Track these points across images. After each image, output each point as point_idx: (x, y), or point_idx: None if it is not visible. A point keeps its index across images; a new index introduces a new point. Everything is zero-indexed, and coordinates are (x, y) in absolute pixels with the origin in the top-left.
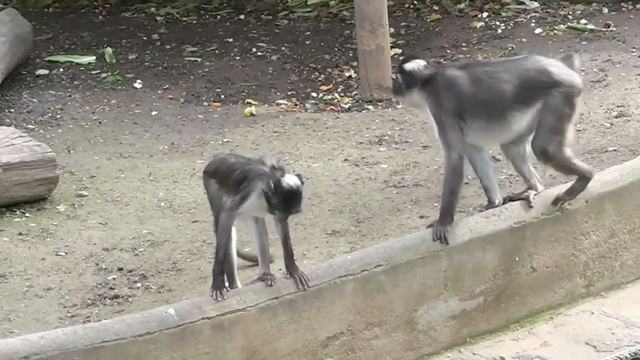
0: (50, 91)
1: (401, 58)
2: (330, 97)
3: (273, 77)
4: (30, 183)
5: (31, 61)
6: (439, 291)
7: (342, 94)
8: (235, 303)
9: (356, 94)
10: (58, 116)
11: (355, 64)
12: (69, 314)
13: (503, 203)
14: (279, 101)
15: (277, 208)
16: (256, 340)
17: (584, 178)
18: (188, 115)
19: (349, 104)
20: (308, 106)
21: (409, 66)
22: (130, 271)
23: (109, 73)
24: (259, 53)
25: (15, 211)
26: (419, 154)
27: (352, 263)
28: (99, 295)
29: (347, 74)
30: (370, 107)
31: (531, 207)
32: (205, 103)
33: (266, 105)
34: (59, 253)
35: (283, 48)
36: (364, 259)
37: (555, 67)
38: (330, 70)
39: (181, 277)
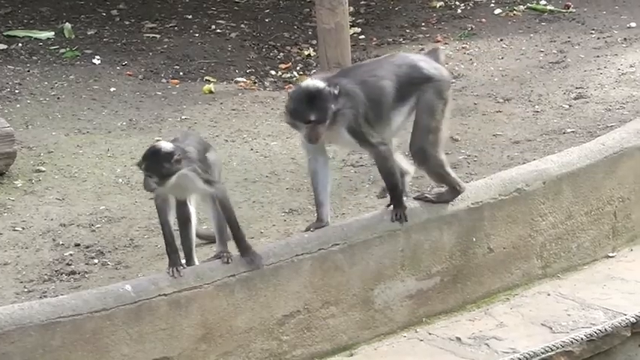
0: (9, 66)
1: (307, 87)
2: (289, 75)
3: (232, 55)
4: None
5: None
6: (396, 270)
7: (301, 73)
8: (192, 280)
9: (314, 73)
10: (17, 91)
11: (314, 42)
12: (25, 289)
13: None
14: (238, 79)
15: None
16: (213, 317)
17: (454, 191)
18: (147, 91)
19: None
20: (267, 84)
21: (325, 86)
22: (87, 247)
23: (68, 49)
24: (218, 30)
25: None
26: None
27: (309, 242)
28: (56, 271)
29: (306, 52)
30: None
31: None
32: (164, 80)
33: (225, 82)
34: (16, 229)
35: (242, 25)
36: (321, 237)
37: (424, 61)
38: (289, 48)
39: (138, 253)
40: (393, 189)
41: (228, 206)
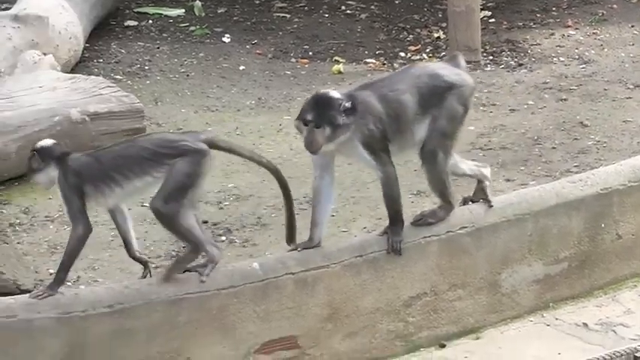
0: (139, 43)
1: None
2: (418, 57)
3: (361, 35)
4: (117, 133)
5: (120, 12)
6: (523, 255)
7: (430, 55)
8: (319, 259)
9: (444, 55)
10: (146, 67)
11: (444, 24)
12: (152, 265)
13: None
14: (367, 60)
15: None
16: (339, 297)
17: (449, 206)
18: (275, 70)
19: None
20: (396, 65)
21: (338, 94)
22: (215, 225)
23: (198, 27)
24: (348, 11)
25: None
26: (506, 117)
27: (437, 224)
28: (183, 247)
29: (435, 35)
30: None
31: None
32: (293, 60)
33: (354, 63)
34: (144, 204)
35: (372, 7)
36: (449, 220)
37: (444, 69)
38: (418, 30)
39: (266, 232)
40: (395, 215)
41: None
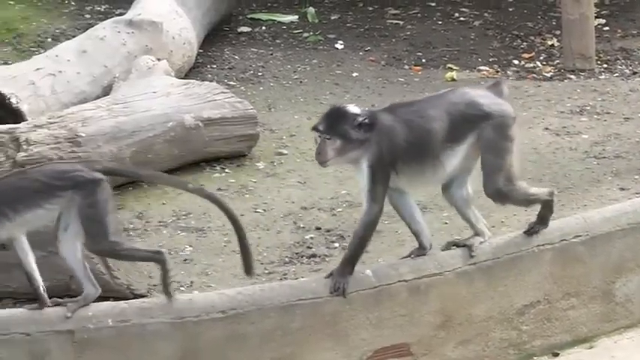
0: (252, 49)
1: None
2: (531, 65)
3: (474, 43)
4: (230, 139)
5: (234, 18)
6: (637, 264)
7: (544, 63)
8: (432, 267)
9: (558, 63)
10: (260, 74)
11: (558, 32)
12: (266, 271)
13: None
14: (481, 67)
15: None
16: (452, 305)
17: (547, 203)
18: (388, 77)
19: (551, 73)
20: (509, 73)
21: (355, 109)
22: (328, 231)
23: (311, 33)
24: (462, 18)
25: (215, 167)
26: (620, 126)
27: (551, 232)
28: (296, 254)
29: (549, 42)
30: (572, 77)
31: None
32: (406, 67)
33: (467, 71)
34: (257, 210)
35: (486, 14)
36: (563, 228)
37: (483, 97)
38: (532, 37)
39: (378, 239)
40: (352, 257)
41: None
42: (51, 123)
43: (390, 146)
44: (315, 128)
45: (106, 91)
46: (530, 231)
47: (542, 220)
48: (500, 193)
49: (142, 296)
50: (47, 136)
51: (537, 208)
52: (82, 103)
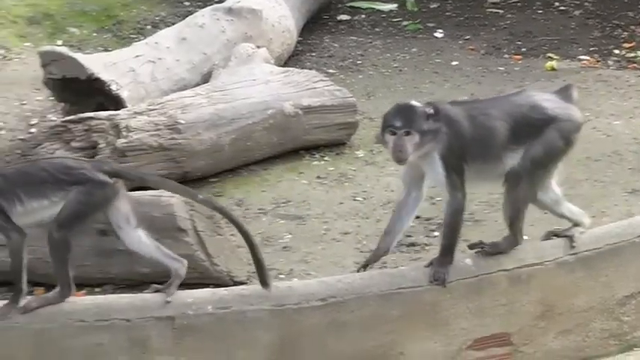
0: (351, 37)
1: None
2: (632, 54)
3: (575, 32)
4: (329, 127)
5: (333, 6)
6: None
7: None
8: (532, 256)
9: None
10: (359, 62)
11: None
12: (365, 259)
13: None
14: (581, 57)
15: None
16: (553, 295)
17: (513, 241)
18: (488, 66)
19: None
20: (610, 62)
21: (419, 104)
22: (428, 220)
23: (410, 22)
24: (562, 7)
25: (314, 155)
26: None
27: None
28: (396, 242)
29: None
30: None
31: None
32: (506, 56)
33: (567, 60)
34: (357, 198)
35: (586, 3)
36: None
37: (550, 101)
38: (633, 27)
39: (479, 227)
40: (448, 246)
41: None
42: (151, 110)
43: (457, 136)
44: (390, 126)
45: (205, 78)
46: (476, 245)
47: (495, 246)
48: (518, 180)
49: (242, 283)
50: (147, 123)
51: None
52: (182, 91)
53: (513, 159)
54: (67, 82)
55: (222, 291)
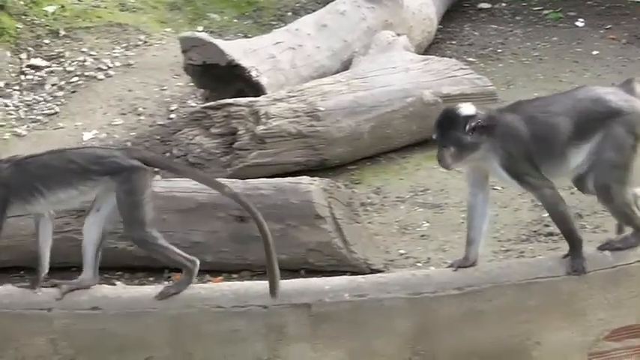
0: (492, 25)
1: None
2: None
3: None
4: None
5: None
6: None
7: None
8: None
9: None
10: (499, 50)
11: None
12: (503, 248)
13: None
14: None
15: None
16: None
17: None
18: (630, 56)
19: None
20: None
21: (470, 111)
22: None
23: (551, 10)
24: None
25: None
26: None
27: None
28: (533, 232)
29: None
30: None
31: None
32: None
33: None
34: (495, 187)
35: None
36: None
37: (612, 94)
38: None
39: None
40: (569, 236)
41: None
42: (290, 97)
43: (517, 145)
44: (432, 138)
45: (345, 65)
46: (607, 245)
47: (626, 243)
48: (608, 190)
49: (379, 271)
50: (286, 110)
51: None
52: (321, 78)
53: (578, 155)
54: (207, 68)
55: (359, 278)
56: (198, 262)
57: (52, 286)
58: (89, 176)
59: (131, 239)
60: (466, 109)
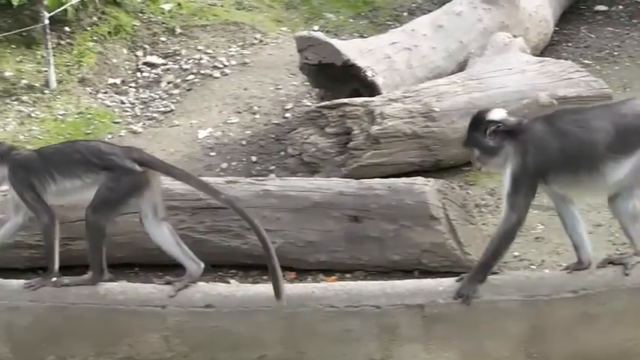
0: (608, 28)
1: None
2: None
3: None
4: None
5: None
6: None
7: None
8: None
9: None
10: (615, 53)
11: None
12: (617, 252)
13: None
14: None
15: None
16: None
17: None
18: None
19: None
20: None
21: (498, 116)
22: None
23: None
24: None
25: None
26: None
27: None
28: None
29: None
30: None
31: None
32: None
33: None
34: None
35: None
36: None
37: None
38: None
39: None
40: (486, 262)
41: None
42: (406, 97)
43: (537, 156)
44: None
45: (461, 66)
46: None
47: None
48: None
49: (493, 273)
50: (401, 110)
51: None
52: (437, 78)
53: (618, 169)
54: (323, 68)
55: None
56: (107, 276)
57: (165, 284)
58: (91, 168)
59: (86, 216)
60: (493, 113)
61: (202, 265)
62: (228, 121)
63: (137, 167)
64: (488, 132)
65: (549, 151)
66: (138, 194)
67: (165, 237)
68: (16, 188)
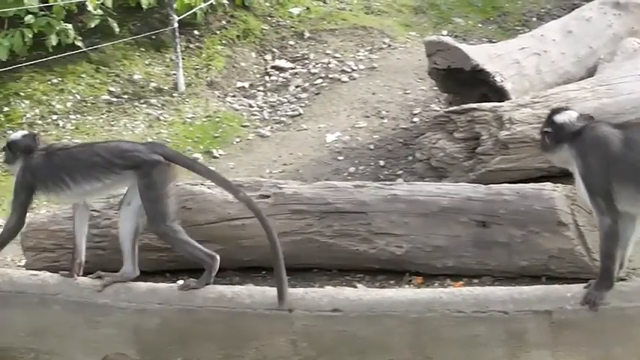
0: None
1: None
2: None
3: None
4: None
5: None
6: None
7: None
8: None
9: None
10: None
11: None
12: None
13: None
14: None
15: None
16: None
17: None
18: None
19: None
20: None
21: (560, 118)
22: None
23: None
24: None
25: None
26: None
27: None
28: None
29: None
30: None
31: None
32: None
33: None
34: None
35: None
36: None
37: None
38: None
39: None
40: (604, 271)
41: None
42: (535, 102)
43: (597, 159)
44: None
45: (590, 72)
46: None
47: None
48: None
49: (621, 279)
50: (530, 116)
51: None
52: (566, 84)
53: None
54: (451, 73)
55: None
56: (218, 259)
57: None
58: (113, 169)
59: (154, 232)
60: (559, 114)
61: (138, 272)
62: (356, 126)
63: (162, 159)
64: (543, 131)
65: (609, 156)
66: (172, 182)
67: (126, 230)
68: (16, 186)
